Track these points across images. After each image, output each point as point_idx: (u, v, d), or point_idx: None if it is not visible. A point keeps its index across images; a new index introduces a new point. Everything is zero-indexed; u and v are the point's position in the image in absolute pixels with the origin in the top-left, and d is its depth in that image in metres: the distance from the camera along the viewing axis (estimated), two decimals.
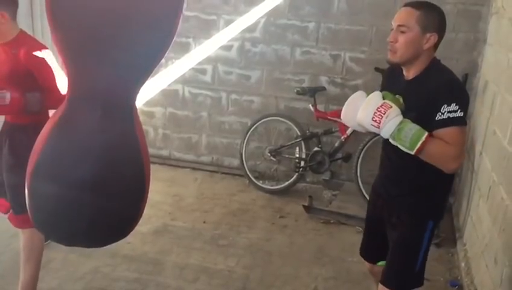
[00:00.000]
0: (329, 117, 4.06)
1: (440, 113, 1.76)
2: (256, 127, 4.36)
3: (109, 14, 1.52)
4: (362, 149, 3.97)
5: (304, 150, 4.19)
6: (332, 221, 3.78)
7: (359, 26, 4.04)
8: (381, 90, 1.99)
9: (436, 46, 1.88)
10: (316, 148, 4.14)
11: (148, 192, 1.83)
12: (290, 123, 4.26)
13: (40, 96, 2.45)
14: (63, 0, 1.52)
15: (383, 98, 1.84)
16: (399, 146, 1.80)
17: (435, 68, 1.89)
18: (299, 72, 4.30)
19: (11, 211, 2.59)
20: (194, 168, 4.67)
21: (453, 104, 1.75)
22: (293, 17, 4.21)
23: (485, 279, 2.58)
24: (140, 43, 1.58)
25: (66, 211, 1.72)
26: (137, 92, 1.71)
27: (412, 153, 1.77)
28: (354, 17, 4.04)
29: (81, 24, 1.54)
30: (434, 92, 1.80)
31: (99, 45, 1.56)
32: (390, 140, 1.82)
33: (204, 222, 3.64)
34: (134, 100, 1.72)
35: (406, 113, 1.82)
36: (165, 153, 4.85)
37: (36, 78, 2.45)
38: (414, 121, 1.79)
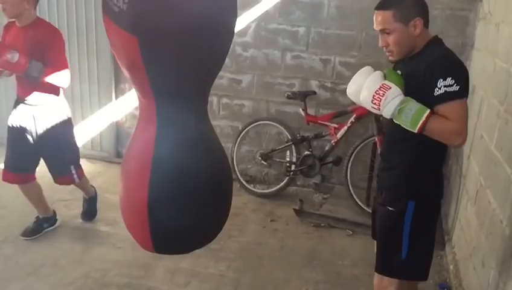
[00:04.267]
0: (319, 121, 4.09)
1: (437, 88, 1.75)
2: (247, 131, 4.37)
3: (193, 39, 1.57)
4: (352, 153, 4.00)
5: (294, 154, 4.21)
6: (322, 224, 3.80)
7: (349, 31, 4.08)
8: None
9: (426, 24, 1.89)
10: (306, 152, 4.16)
11: None
12: (280, 127, 4.28)
13: (42, 67, 2.95)
14: (153, 45, 1.53)
15: (385, 77, 1.84)
16: (399, 122, 1.79)
17: (431, 46, 1.91)
18: (289, 77, 4.33)
19: (56, 176, 3.29)
20: None
21: (449, 79, 1.74)
22: (284, 21, 4.23)
23: (473, 282, 2.61)
24: (217, 51, 1.70)
25: (193, 220, 1.75)
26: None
27: (415, 131, 1.76)
28: (343, 22, 4.08)
29: (172, 57, 1.57)
30: (429, 67, 1.80)
31: (188, 67, 1.61)
32: (394, 120, 1.81)
33: None
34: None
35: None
36: None
37: (46, 53, 2.98)
38: (408, 96, 1.80)
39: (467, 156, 3.29)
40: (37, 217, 3.41)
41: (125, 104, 4.79)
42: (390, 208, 2.01)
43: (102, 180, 4.31)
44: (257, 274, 3.10)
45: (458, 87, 1.75)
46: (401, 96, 1.78)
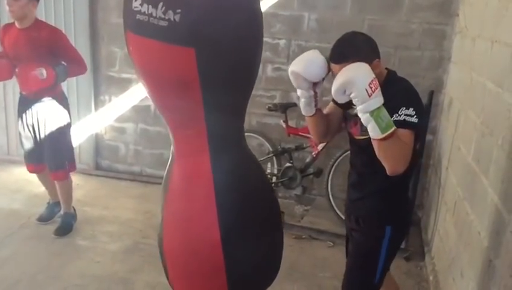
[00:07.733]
0: (300, 133, 4.10)
1: (397, 114, 1.79)
2: None
3: (246, 66, 1.58)
4: (333, 164, 4.02)
5: (275, 166, 4.21)
6: (304, 236, 3.80)
7: (328, 43, 4.08)
8: None
9: (379, 59, 1.94)
10: (287, 164, 4.17)
11: None
12: (262, 139, 4.28)
13: (64, 68, 3.16)
14: (210, 54, 1.45)
15: None
16: (372, 123, 1.71)
17: (392, 79, 1.97)
18: (270, 89, 4.34)
19: (51, 169, 3.40)
20: None
21: (411, 109, 1.80)
22: (264, 34, 4.23)
23: None
24: (258, 52, 1.70)
25: (266, 251, 1.69)
26: None
27: (381, 136, 1.70)
28: (323, 35, 4.12)
29: (227, 66, 1.52)
30: (394, 97, 1.80)
31: (239, 77, 1.60)
32: (366, 114, 1.71)
33: None
34: None
35: None
36: (136, 169, 4.80)
37: (57, 53, 3.16)
38: None
39: (445, 168, 3.33)
40: (48, 203, 3.74)
41: (105, 116, 4.75)
42: (368, 235, 2.06)
43: (81, 193, 4.24)
44: None
45: (417, 120, 1.81)
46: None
